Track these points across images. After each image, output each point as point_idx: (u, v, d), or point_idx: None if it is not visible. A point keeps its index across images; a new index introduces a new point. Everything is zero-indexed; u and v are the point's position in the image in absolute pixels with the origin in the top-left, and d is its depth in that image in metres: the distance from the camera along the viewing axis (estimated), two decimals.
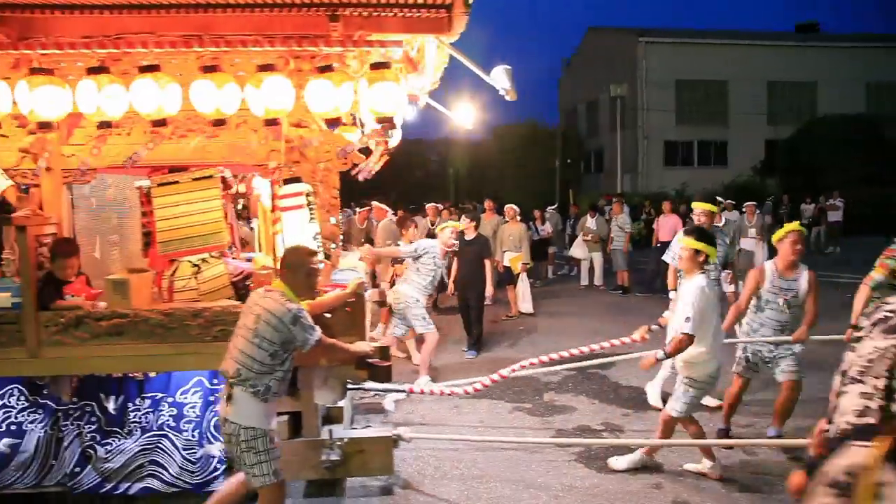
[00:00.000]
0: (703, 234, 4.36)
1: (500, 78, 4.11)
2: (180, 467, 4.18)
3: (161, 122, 3.66)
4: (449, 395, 4.85)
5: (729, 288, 8.83)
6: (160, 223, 4.21)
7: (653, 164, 30.55)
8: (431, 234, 8.95)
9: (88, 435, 4.18)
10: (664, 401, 5.98)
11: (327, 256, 4.30)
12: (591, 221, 13.67)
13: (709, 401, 6.16)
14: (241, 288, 4.40)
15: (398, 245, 7.83)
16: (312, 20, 3.77)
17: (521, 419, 5.84)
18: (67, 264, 3.92)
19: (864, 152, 23.14)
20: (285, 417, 4.17)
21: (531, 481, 4.57)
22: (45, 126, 3.64)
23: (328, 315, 3.88)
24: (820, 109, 28.52)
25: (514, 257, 10.56)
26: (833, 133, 24.45)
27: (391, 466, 4.28)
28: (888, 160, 22.93)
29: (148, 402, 4.21)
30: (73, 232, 4.34)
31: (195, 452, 4.19)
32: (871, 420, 1.88)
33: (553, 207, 16.61)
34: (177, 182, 4.22)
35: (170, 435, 4.20)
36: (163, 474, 4.19)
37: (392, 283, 7.85)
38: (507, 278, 10.79)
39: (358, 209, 11.36)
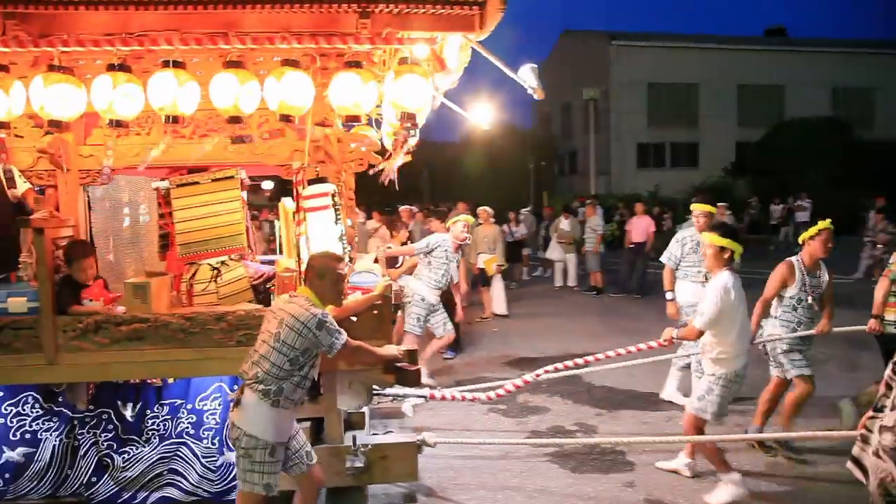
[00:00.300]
0: (729, 231, 4.29)
1: (527, 76, 4.04)
2: (200, 476, 4.07)
3: (174, 120, 3.56)
4: (471, 400, 4.76)
5: None
6: (179, 225, 4.11)
7: (626, 165, 31.00)
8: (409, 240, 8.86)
9: (105, 443, 4.07)
10: (684, 395, 6.07)
11: (350, 259, 4.22)
12: (564, 223, 13.76)
13: (681, 399, 6.15)
14: (260, 291, 4.30)
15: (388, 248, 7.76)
16: (340, 17, 3.68)
17: (497, 421, 5.83)
18: (85, 265, 3.81)
19: (831, 155, 23.65)
20: (307, 423, 4.07)
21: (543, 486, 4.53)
22: (55, 125, 3.52)
23: (354, 318, 3.78)
24: (788, 112, 29.09)
25: (488, 259, 10.57)
26: (801, 136, 25.03)
27: (416, 472, 4.17)
28: (854, 162, 23.42)
29: (166, 409, 4.10)
30: (90, 234, 4.22)
31: (215, 460, 4.08)
32: None
33: (527, 209, 16.65)
34: (196, 183, 4.12)
35: (189, 443, 4.09)
36: (182, 483, 4.08)
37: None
38: (481, 280, 10.84)
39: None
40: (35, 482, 4.02)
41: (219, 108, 3.51)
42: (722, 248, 4.16)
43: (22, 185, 3.91)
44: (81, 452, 4.05)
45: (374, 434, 4.52)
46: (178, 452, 4.09)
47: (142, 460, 4.08)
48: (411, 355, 3.78)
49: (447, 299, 7.10)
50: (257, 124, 3.98)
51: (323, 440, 4.09)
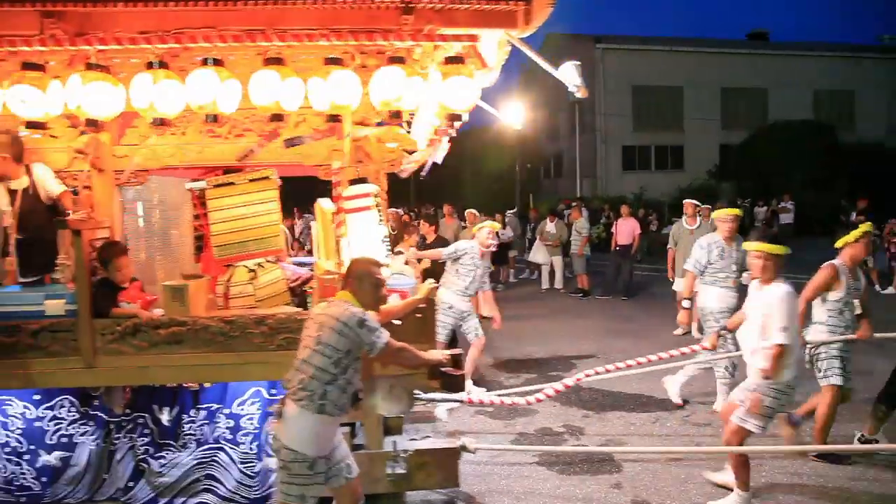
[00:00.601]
0: (776, 237, 4.16)
1: (569, 74, 3.94)
2: (237, 482, 4.01)
3: (213, 119, 3.49)
4: (510, 405, 4.66)
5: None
6: (216, 226, 4.04)
7: (611, 168, 31.01)
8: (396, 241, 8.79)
9: (142, 448, 4.01)
10: (685, 401, 6.10)
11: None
12: (550, 225, 13.70)
13: (676, 398, 6.13)
14: (297, 293, 4.23)
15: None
16: (381, 13, 3.59)
17: (484, 423, 5.78)
18: (120, 265, 3.75)
19: (813, 157, 23.69)
20: (346, 429, 4.00)
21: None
22: (93, 124, 3.45)
23: (397, 322, 3.70)
24: (771, 115, 29.19)
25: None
26: (784, 138, 25.06)
27: (457, 478, 4.08)
28: (836, 164, 23.49)
29: (203, 413, 4.03)
30: (124, 236, 4.16)
31: (253, 466, 4.01)
32: None
33: (512, 211, 16.56)
34: (232, 183, 4.05)
35: (226, 448, 4.03)
36: (219, 489, 4.01)
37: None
38: None
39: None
40: (72, 487, 3.97)
41: (259, 106, 3.43)
42: (777, 256, 4.02)
43: (56, 187, 3.84)
44: (118, 457, 4.00)
45: (411, 439, 4.44)
46: (216, 457, 4.03)
47: (178, 465, 4.02)
48: (456, 360, 3.68)
49: None
50: (294, 123, 3.90)
51: (362, 446, 4.01)
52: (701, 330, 7.16)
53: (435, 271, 6.50)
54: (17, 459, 3.95)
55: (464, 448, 4.20)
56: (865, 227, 4.86)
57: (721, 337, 5.26)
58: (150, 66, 3.38)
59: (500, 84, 3.90)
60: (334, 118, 3.47)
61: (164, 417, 4.02)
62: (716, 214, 6.35)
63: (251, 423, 4.02)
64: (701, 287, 6.26)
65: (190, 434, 4.03)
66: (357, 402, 3.88)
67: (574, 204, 15.09)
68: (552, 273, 14.05)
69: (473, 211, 11.01)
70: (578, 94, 3.94)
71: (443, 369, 3.63)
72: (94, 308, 3.64)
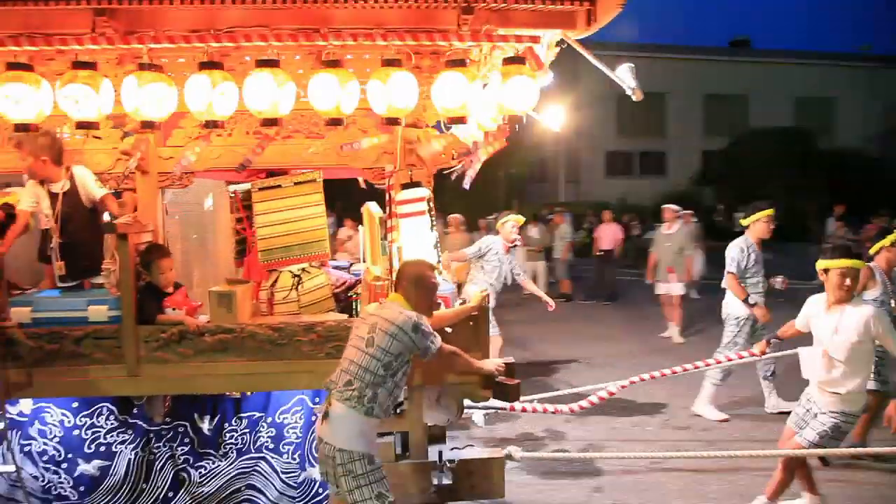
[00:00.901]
0: (855, 251, 3.99)
1: (625, 77, 3.85)
2: (279, 492, 3.90)
3: (272, 122, 3.39)
4: (553, 412, 4.57)
5: (675, 290, 9.07)
6: (261, 230, 3.93)
7: (595, 173, 31.04)
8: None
9: (181, 457, 3.90)
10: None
11: None
12: (533, 231, 13.63)
13: (715, 414, 6.06)
14: (342, 299, 4.13)
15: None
16: (438, 13, 3.50)
17: (464, 428, 5.73)
18: (164, 266, 3.64)
19: (793, 163, 23.85)
20: (390, 438, 3.90)
21: None
22: (148, 126, 3.36)
23: (449, 330, 3.60)
24: (752, 122, 29.33)
25: (458, 267, 10.37)
26: (765, 145, 25.20)
27: (503, 489, 3.97)
28: (817, 172, 23.67)
29: (245, 422, 3.93)
30: (165, 240, 4.06)
31: (296, 476, 3.91)
32: None
33: (493, 217, 16.49)
34: (279, 186, 3.95)
35: (268, 457, 3.92)
36: (261, 499, 3.92)
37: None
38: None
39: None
40: (110, 496, 3.86)
41: (319, 110, 3.33)
42: (857, 273, 3.87)
43: (98, 190, 3.74)
44: (157, 466, 3.89)
45: (454, 448, 4.34)
46: (257, 467, 3.92)
47: (219, 475, 3.91)
48: (509, 369, 3.59)
49: None
50: (344, 125, 3.79)
51: (408, 456, 3.91)
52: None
53: None
54: (54, 468, 3.84)
55: (510, 457, 4.11)
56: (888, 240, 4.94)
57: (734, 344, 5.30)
58: (204, 66, 3.28)
59: None
60: (393, 121, 3.37)
61: (205, 426, 3.91)
62: (753, 218, 6.24)
63: (294, 433, 3.92)
64: (729, 293, 6.19)
65: (231, 443, 3.92)
66: (399, 412, 3.79)
67: (557, 209, 15.07)
68: (535, 278, 14.02)
69: (457, 216, 10.93)
70: (634, 97, 3.84)
71: (497, 379, 3.55)
72: (140, 314, 3.54)
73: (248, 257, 4.12)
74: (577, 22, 3.58)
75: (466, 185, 4.23)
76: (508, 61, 3.38)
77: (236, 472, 3.92)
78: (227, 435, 3.91)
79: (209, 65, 3.31)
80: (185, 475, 3.90)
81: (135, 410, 3.87)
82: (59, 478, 3.84)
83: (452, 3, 3.36)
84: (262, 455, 3.92)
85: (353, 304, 4.15)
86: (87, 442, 3.85)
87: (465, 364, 3.38)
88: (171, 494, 3.89)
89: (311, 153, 3.85)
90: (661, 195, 22.43)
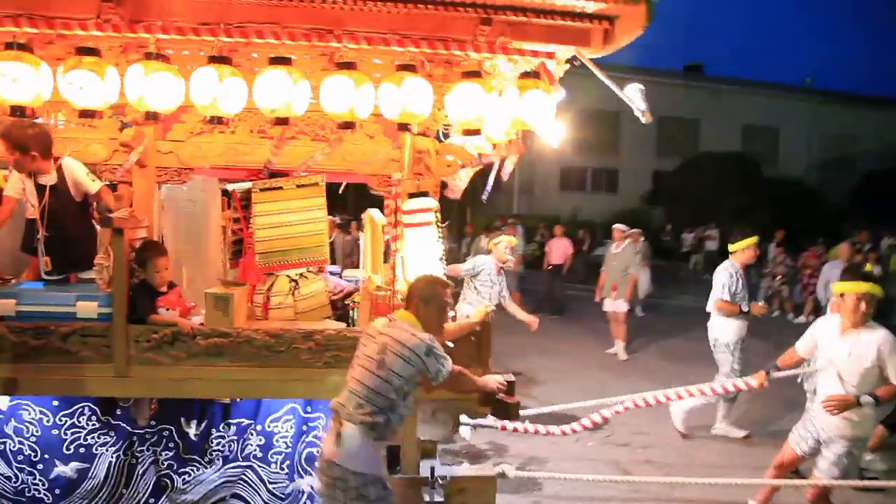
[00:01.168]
0: (874, 277, 4.03)
1: (635, 98, 3.83)
2: (266, 503, 3.79)
3: (283, 122, 3.29)
4: (545, 434, 4.52)
5: (620, 307, 9.30)
6: (260, 232, 3.83)
7: (549, 186, 31.34)
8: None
9: (165, 462, 3.77)
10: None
11: None
12: (485, 242, 13.66)
13: (736, 432, 6.21)
14: (339, 307, 4.04)
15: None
16: (455, 22, 3.43)
17: None
18: (159, 265, 3.52)
19: (740, 189, 24.68)
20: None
21: None
22: (152, 117, 3.24)
23: (451, 345, 3.53)
24: (703, 145, 30.15)
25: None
26: (713, 168, 25.98)
27: None
28: (760, 198, 24.48)
29: (233, 429, 3.81)
30: (161, 236, 3.93)
31: (284, 487, 3.80)
32: None
33: (445, 225, 16.50)
34: (280, 188, 3.84)
35: (256, 466, 3.81)
36: None
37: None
38: None
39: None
40: (87, 500, 3.72)
41: (332, 112, 3.24)
42: (873, 297, 3.89)
43: (92, 184, 3.60)
44: (139, 471, 3.75)
45: (444, 464, 4.27)
46: (244, 476, 3.80)
47: (203, 483, 3.79)
48: (510, 386, 3.54)
49: None
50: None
51: (399, 470, 3.83)
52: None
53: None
54: (29, 469, 3.67)
55: (502, 475, 4.05)
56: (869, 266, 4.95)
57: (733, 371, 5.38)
58: (213, 60, 3.18)
59: None
60: (404, 127, 3.30)
61: (192, 431, 3.79)
62: (741, 245, 6.34)
63: (284, 443, 3.81)
64: (717, 318, 6.27)
65: (218, 450, 3.80)
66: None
67: (510, 221, 15.15)
68: None
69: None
70: (643, 119, 3.82)
71: (498, 396, 3.49)
72: (133, 313, 3.41)
73: (244, 259, 4.00)
74: (591, 40, 3.55)
75: (484, 198, 4.20)
76: (525, 76, 3.34)
77: (222, 480, 3.80)
78: (214, 441, 3.79)
79: (218, 59, 3.20)
80: (168, 481, 3.77)
81: (118, 412, 3.73)
82: (34, 479, 3.68)
83: (473, 12, 3.29)
84: (249, 464, 3.81)
85: (351, 312, 4.07)
86: (66, 442, 3.70)
87: (470, 383, 3.30)
88: (152, 500, 3.76)
89: (318, 156, 3.76)
90: (613, 212, 22.97)
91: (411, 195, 3.58)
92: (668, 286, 15.99)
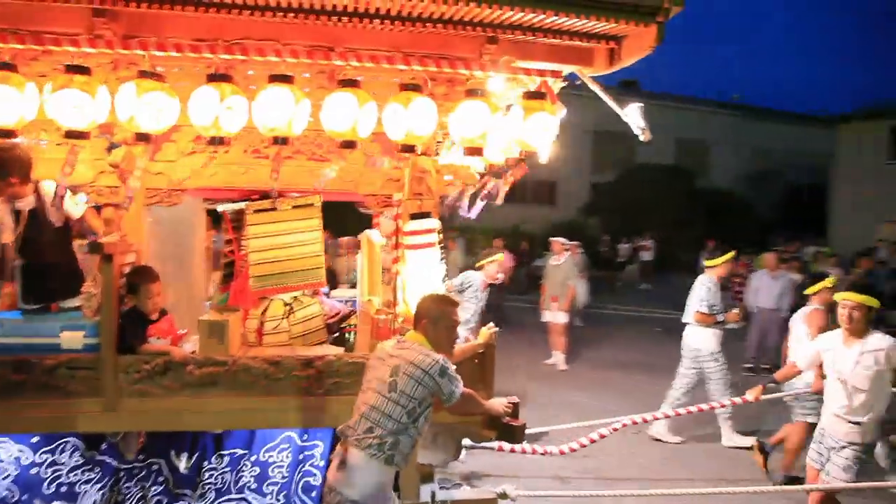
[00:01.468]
0: (870, 288, 4.16)
1: (634, 116, 3.85)
2: None
3: (283, 141, 3.19)
4: (542, 454, 4.47)
5: (560, 318, 9.48)
6: (254, 255, 3.68)
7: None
8: None
9: (154, 498, 3.57)
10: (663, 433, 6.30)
11: None
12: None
13: (744, 440, 6.32)
14: (334, 330, 3.92)
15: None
16: (457, 40, 3.40)
17: None
18: (151, 291, 3.36)
19: (673, 200, 25.54)
20: None
21: None
22: (143, 139, 3.10)
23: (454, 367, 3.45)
24: (638, 158, 30.61)
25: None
26: (648, 180, 26.78)
27: None
28: (693, 209, 25.50)
29: (226, 459, 3.64)
30: (149, 260, 3.75)
31: None
32: None
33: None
34: (275, 209, 3.72)
35: (250, 498, 3.64)
36: None
37: None
38: None
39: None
40: None
41: (333, 131, 3.15)
42: (870, 308, 4.00)
43: (76, 208, 3.42)
44: None
45: (442, 488, 4.17)
46: None
47: None
48: (515, 408, 3.47)
49: None
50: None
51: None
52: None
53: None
54: None
55: (503, 496, 3.98)
56: (830, 280, 5.30)
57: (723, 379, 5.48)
58: (212, 78, 3.06)
59: None
60: (409, 148, 3.22)
61: (182, 464, 3.60)
62: (719, 260, 6.61)
63: (280, 473, 3.66)
64: (696, 328, 6.46)
65: (210, 483, 3.62)
66: None
67: (451, 235, 15.23)
68: None
69: (349, 239, 10.88)
70: (642, 138, 3.85)
71: (504, 419, 3.43)
72: (123, 343, 3.24)
73: (236, 282, 3.85)
74: (595, 60, 3.57)
75: (473, 214, 4.14)
76: (530, 96, 3.31)
77: None
78: (206, 474, 3.62)
79: (218, 77, 3.08)
80: None
81: (103, 446, 3.53)
82: None
83: (481, 31, 3.26)
84: (243, 496, 3.64)
85: (347, 335, 3.95)
86: (47, 482, 3.48)
87: (479, 406, 3.24)
88: None
89: (318, 176, 3.65)
90: (552, 224, 23.42)
91: (413, 216, 3.50)
92: (606, 296, 16.24)
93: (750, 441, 6.31)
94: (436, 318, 3.07)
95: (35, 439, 3.46)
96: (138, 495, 3.56)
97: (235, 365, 3.32)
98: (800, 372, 4.41)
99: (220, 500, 3.63)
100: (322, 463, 3.69)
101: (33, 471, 3.46)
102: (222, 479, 3.64)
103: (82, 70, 2.94)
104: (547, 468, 5.39)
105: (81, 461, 3.51)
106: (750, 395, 4.52)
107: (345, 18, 3.27)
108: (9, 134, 2.95)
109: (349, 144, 3.21)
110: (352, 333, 3.93)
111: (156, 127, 3.04)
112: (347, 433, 2.97)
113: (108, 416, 3.23)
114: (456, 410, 3.15)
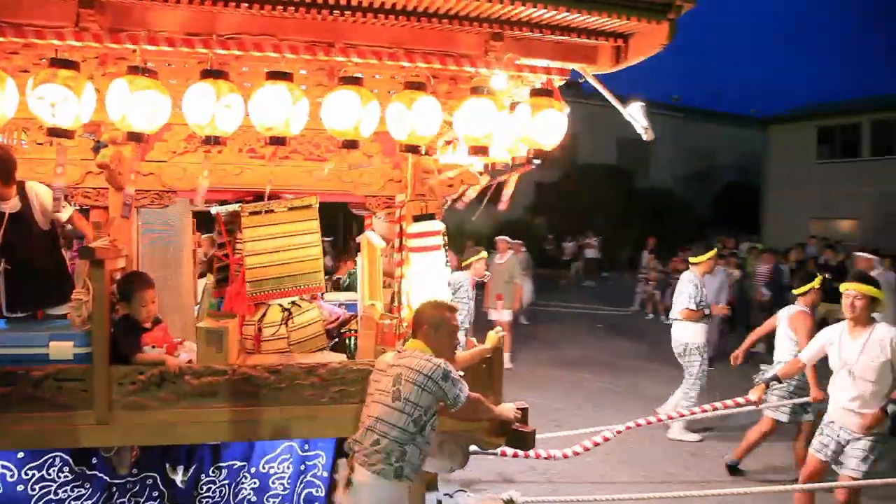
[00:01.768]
0: (872, 279, 4.20)
1: (637, 115, 3.78)
2: None
3: (280, 141, 3.05)
4: (546, 458, 4.40)
5: (504, 317, 9.48)
6: (250, 259, 3.54)
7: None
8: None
9: None
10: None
11: None
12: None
13: (690, 436, 6.44)
14: (334, 336, 3.80)
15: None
16: (460, 37, 3.28)
17: None
18: (146, 299, 3.20)
19: (616, 199, 26.19)
20: None
21: None
22: (135, 138, 2.93)
23: (461, 373, 3.35)
24: (581, 158, 30.84)
25: None
26: (590, 180, 27.31)
27: None
28: (635, 207, 26.07)
29: (224, 472, 3.52)
30: (140, 265, 3.59)
31: None
32: None
33: (328, 239, 16.60)
34: (271, 211, 3.58)
35: None
36: None
37: None
38: None
39: None
40: None
41: (335, 130, 3.02)
42: (874, 299, 4.05)
43: (63, 211, 3.25)
44: None
45: (445, 495, 4.09)
46: None
47: None
48: (524, 414, 3.39)
49: None
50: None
51: None
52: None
53: None
54: None
55: (510, 502, 3.91)
56: (817, 282, 5.39)
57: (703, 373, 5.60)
58: (208, 74, 2.90)
59: None
60: (413, 148, 3.11)
61: (178, 478, 3.46)
62: (703, 258, 6.73)
63: (281, 484, 3.55)
64: (684, 325, 6.50)
65: (207, 496, 3.49)
66: None
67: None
68: None
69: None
70: (645, 137, 3.78)
71: (514, 426, 3.34)
72: (116, 353, 3.08)
73: (231, 287, 3.70)
74: (599, 58, 3.48)
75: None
76: (538, 93, 3.21)
77: None
78: (204, 487, 3.48)
79: (213, 73, 2.93)
80: None
81: (94, 460, 3.37)
82: None
83: (488, 27, 3.15)
84: None
85: (347, 340, 3.83)
86: (34, 499, 3.32)
87: (487, 411, 3.17)
88: None
89: (314, 176, 3.52)
90: (497, 223, 23.69)
91: (416, 218, 3.39)
92: (552, 294, 16.37)
93: (696, 437, 6.40)
94: (437, 323, 3.04)
95: (21, 455, 3.29)
96: None
97: (235, 374, 3.17)
98: (803, 367, 4.43)
99: None
100: (325, 474, 3.58)
101: (19, 488, 3.30)
102: (220, 492, 3.51)
103: (68, 64, 2.77)
104: (537, 472, 5.33)
105: (71, 477, 3.36)
106: (753, 395, 4.52)
107: (347, 13, 3.13)
108: None
109: (351, 144, 3.07)
110: (352, 339, 3.81)
111: (150, 126, 2.88)
112: (354, 448, 2.89)
113: (100, 431, 3.06)
114: (462, 416, 3.07)
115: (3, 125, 2.91)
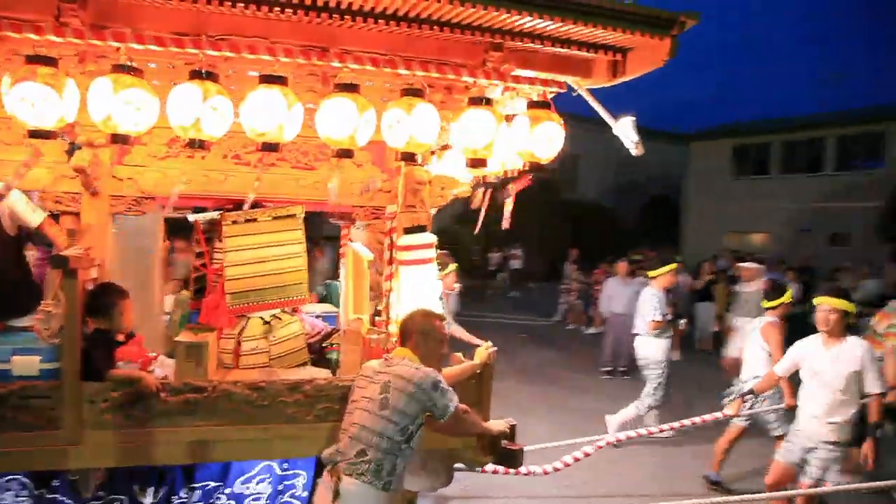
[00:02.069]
0: (846, 293, 4.33)
1: (627, 130, 3.77)
2: None
3: (273, 147, 2.92)
4: (526, 474, 4.33)
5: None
6: (231, 269, 3.39)
7: None
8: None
9: None
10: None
11: None
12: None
13: (614, 434, 6.32)
14: (315, 350, 3.66)
15: None
16: (456, 46, 3.22)
17: None
18: (124, 309, 3.02)
19: (544, 210, 26.09)
20: None
21: None
22: (120, 140, 2.77)
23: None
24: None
25: None
26: (520, 191, 27.70)
27: None
28: (562, 219, 26.67)
29: (198, 493, 3.32)
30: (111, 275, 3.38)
31: None
32: None
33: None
34: (254, 220, 3.43)
35: None
36: None
37: None
38: None
39: None
40: None
41: (329, 138, 2.91)
42: (846, 313, 4.17)
43: (33, 216, 3.04)
44: None
45: None
46: None
47: None
48: (512, 430, 3.32)
49: None
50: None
51: None
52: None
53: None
54: None
55: None
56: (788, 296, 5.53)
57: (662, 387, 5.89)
58: (196, 75, 2.77)
59: None
60: (409, 157, 3.03)
61: (148, 500, 3.25)
62: (661, 271, 6.89)
63: None
64: (647, 339, 6.61)
65: None
66: None
67: (319, 243, 15.19)
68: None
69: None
70: (635, 151, 3.78)
71: (503, 443, 3.27)
72: (89, 368, 2.88)
73: (208, 298, 3.53)
74: (594, 71, 3.47)
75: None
76: (536, 105, 3.18)
77: None
78: None
79: (201, 74, 2.79)
80: None
81: (55, 483, 3.13)
82: None
83: (489, 36, 3.09)
84: None
85: (328, 355, 3.69)
86: None
87: (476, 425, 3.10)
88: None
89: (300, 186, 3.40)
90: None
91: (407, 230, 3.30)
92: (478, 304, 16.39)
93: (616, 435, 6.40)
94: (426, 332, 2.98)
95: None
96: None
97: (215, 391, 3.01)
98: (778, 380, 4.52)
99: None
100: (304, 494, 3.43)
101: None
102: None
103: (47, 61, 2.60)
104: (517, 487, 5.25)
105: (30, 502, 3.11)
106: (729, 410, 4.56)
107: (346, 17, 3.01)
108: None
109: (346, 153, 2.97)
110: (335, 353, 3.67)
111: (135, 128, 2.72)
112: (337, 458, 2.78)
113: (69, 452, 2.86)
114: (450, 429, 2.99)
115: None
